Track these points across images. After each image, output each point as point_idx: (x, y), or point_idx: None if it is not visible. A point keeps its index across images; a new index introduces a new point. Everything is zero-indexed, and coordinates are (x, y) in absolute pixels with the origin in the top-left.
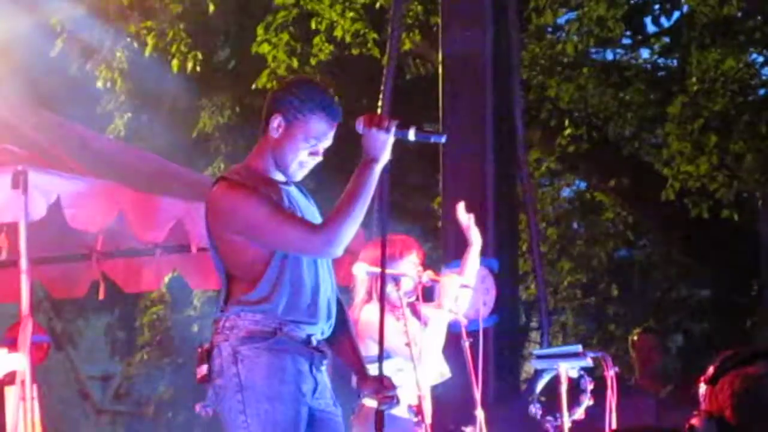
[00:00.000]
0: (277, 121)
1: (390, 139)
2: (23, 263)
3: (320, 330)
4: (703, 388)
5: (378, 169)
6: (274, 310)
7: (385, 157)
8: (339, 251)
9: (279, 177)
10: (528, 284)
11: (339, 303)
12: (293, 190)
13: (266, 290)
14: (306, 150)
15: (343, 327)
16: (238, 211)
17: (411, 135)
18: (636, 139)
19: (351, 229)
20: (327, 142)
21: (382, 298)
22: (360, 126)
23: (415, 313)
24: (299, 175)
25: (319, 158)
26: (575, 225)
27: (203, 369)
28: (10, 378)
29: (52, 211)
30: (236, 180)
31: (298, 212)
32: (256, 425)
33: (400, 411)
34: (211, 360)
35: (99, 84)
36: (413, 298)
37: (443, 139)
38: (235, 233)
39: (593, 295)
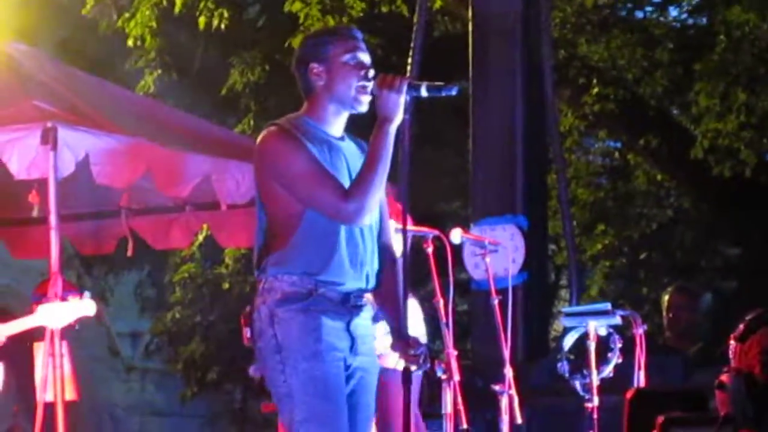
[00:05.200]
0: (315, 68)
1: (402, 99)
2: (52, 220)
3: (358, 288)
4: (732, 345)
5: (393, 128)
6: (309, 270)
7: (399, 116)
8: (366, 219)
9: (335, 131)
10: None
11: (386, 260)
12: (349, 147)
13: (300, 250)
14: (354, 72)
15: (387, 285)
16: (278, 158)
17: (423, 91)
18: (665, 98)
19: (377, 195)
20: (365, 55)
21: (405, 256)
22: (374, 88)
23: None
24: (365, 102)
25: (371, 77)
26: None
27: (247, 332)
28: (40, 333)
29: (81, 167)
30: (284, 128)
31: (344, 172)
32: (296, 384)
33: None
34: (253, 323)
35: (129, 42)
36: None
37: (454, 91)
38: (275, 181)
39: (623, 256)
